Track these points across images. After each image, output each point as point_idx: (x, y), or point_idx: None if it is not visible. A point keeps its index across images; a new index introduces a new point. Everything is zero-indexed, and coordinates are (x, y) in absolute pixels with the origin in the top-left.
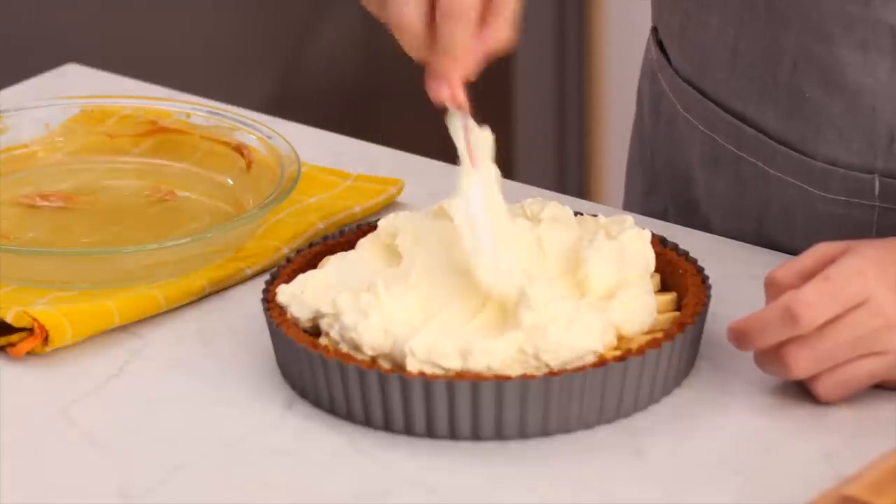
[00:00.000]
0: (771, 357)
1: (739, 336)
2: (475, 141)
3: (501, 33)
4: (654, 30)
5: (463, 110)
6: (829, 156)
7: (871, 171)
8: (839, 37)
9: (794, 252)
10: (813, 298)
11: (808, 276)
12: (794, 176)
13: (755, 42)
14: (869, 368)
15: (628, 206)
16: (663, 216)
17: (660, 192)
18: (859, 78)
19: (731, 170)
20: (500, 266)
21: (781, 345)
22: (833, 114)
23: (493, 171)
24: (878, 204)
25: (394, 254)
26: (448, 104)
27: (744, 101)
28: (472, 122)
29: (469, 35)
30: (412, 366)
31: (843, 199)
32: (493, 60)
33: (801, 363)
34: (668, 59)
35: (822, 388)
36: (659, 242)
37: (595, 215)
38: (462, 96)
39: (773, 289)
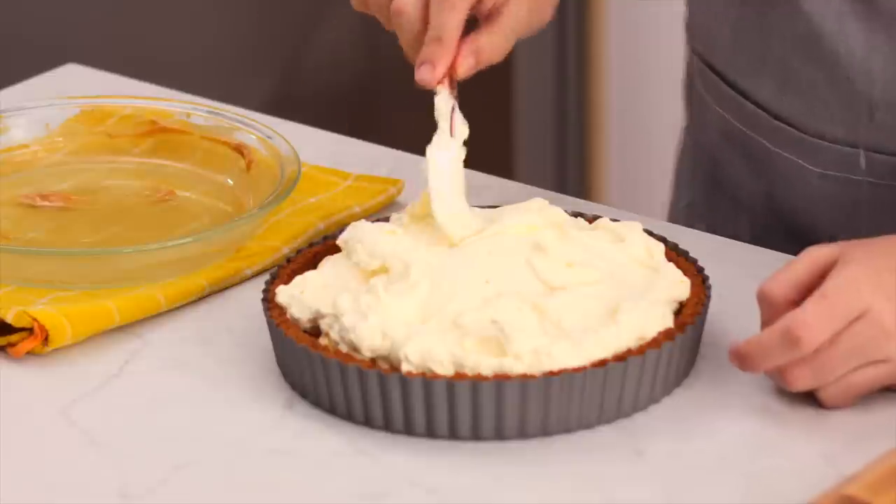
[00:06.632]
0: (771, 371)
1: (740, 359)
2: (457, 120)
3: (493, 39)
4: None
5: (450, 89)
6: (819, 129)
7: (856, 144)
8: (817, 6)
9: (799, 231)
10: (812, 319)
11: (801, 286)
12: (790, 151)
13: (750, 19)
14: (871, 377)
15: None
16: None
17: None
18: (835, 47)
19: (740, 146)
20: (453, 208)
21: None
22: (818, 86)
23: (463, 153)
24: (865, 178)
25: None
26: (434, 85)
27: (743, 77)
28: (457, 106)
29: (458, 24)
30: (407, 370)
31: (833, 173)
32: (485, 69)
33: (801, 381)
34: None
35: (826, 396)
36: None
37: (598, 216)
38: (442, 79)
39: (766, 303)
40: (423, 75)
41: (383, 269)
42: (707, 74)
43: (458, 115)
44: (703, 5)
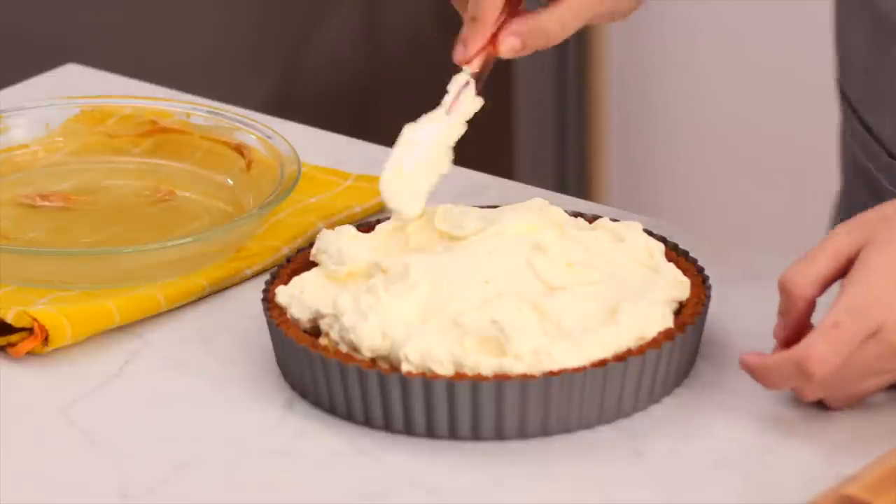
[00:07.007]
0: None
1: (752, 373)
2: (465, 98)
3: (542, 22)
4: None
5: (477, 69)
6: None
7: None
8: None
9: None
10: (826, 352)
11: (823, 282)
12: None
13: (879, 55)
14: (876, 385)
15: None
16: None
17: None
18: None
19: (865, 182)
20: (409, 186)
21: None
22: None
23: (454, 132)
24: None
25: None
26: (464, 64)
27: (869, 111)
28: (472, 86)
29: (494, 3)
30: (407, 370)
31: None
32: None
33: (810, 396)
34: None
35: (830, 401)
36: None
37: (598, 216)
38: (473, 58)
39: (785, 294)
40: (455, 54)
41: (352, 274)
42: (843, 105)
43: (469, 93)
44: (843, 36)
